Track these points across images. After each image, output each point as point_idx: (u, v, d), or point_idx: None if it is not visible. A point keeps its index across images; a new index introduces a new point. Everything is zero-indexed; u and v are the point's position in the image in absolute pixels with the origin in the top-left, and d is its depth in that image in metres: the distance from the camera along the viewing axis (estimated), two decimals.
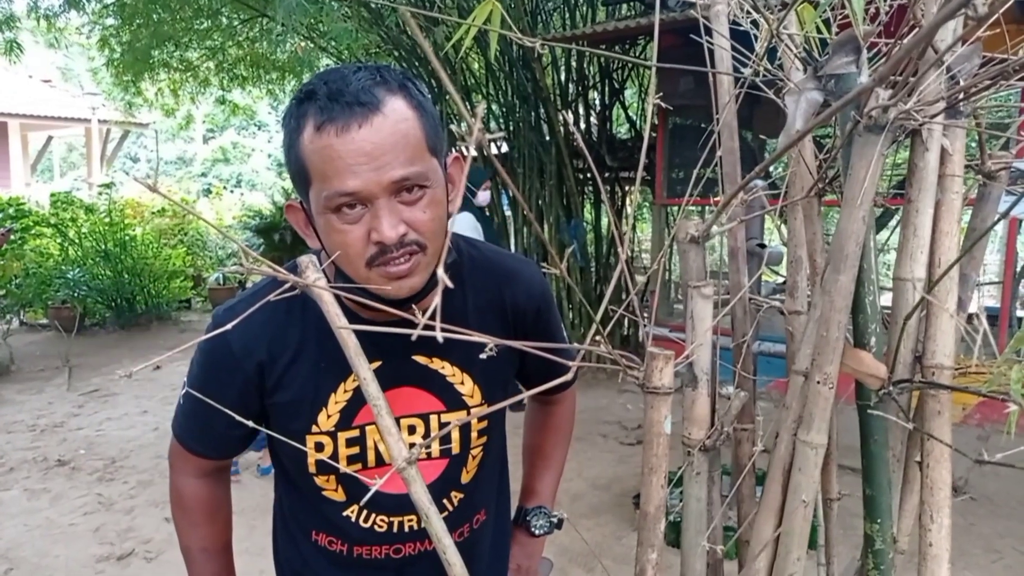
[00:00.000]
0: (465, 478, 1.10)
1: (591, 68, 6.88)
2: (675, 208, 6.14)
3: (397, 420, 1.01)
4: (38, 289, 7.45)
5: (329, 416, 1.02)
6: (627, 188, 7.39)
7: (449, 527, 1.04)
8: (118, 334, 8.00)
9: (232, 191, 17.77)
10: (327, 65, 8.59)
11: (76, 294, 7.83)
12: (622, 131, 7.89)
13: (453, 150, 0.95)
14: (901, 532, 0.75)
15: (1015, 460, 0.67)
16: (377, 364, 1.01)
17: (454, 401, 1.05)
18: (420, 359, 1.03)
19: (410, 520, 1.06)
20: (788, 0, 0.69)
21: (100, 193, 8.71)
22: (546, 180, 6.40)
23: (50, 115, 13.29)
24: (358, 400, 1.01)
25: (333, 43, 6.20)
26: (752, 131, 5.91)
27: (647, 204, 8.25)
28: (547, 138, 6.49)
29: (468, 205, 4.69)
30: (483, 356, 0.62)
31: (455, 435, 1.06)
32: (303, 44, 5.94)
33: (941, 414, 0.67)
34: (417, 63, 6.64)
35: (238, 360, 1.01)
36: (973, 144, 0.77)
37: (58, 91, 14.76)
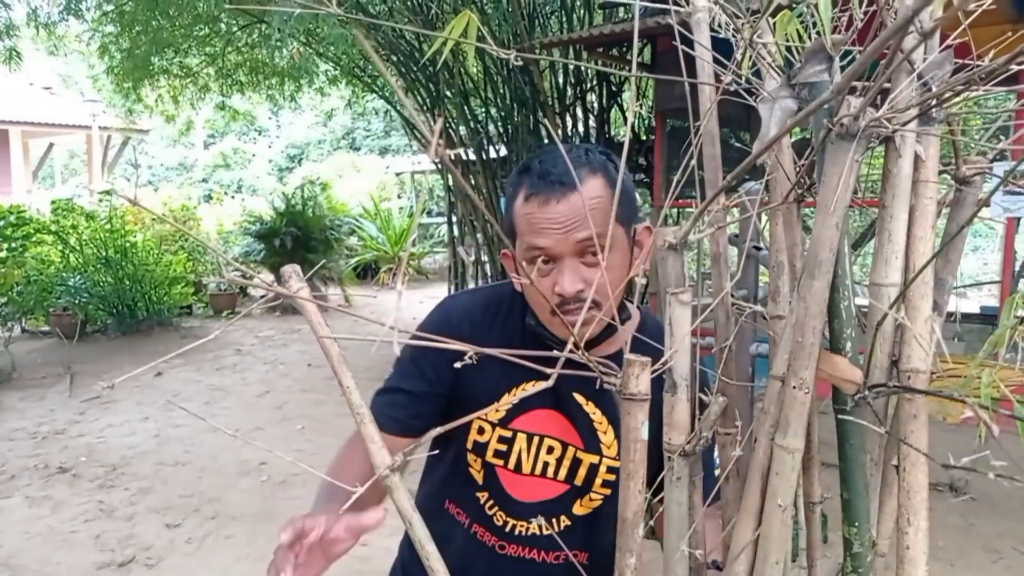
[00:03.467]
0: (578, 510, 1.21)
1: (589, 71, 6.89)
2: (674, 210, 6.14)
3: (542, 437, 1.18)
4: (39, 296, 7.46)
5: (497, 410, 1.18)
6: None
7: (547, 545, 1.21)
8: (119, 340, 8.01)
9: (233, 197, 17.79)
10: (325, 71, 8.62)
11: (77, 301, 7.85)
12: (621, 133, 7.90)
13: (646, 219, 1.09)
14: (881, 535, 0.75)
15: (1008, 467, 0.67)
16: (545, 384, 1.11)
17: (593, 445, 1.18)
18: (579, 398, 1.18)
19: (522, 526, 1.21)
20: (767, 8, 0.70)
21: (101, 200, 8.73)
22: None
23: (51, 122, 13.34)
24: (522, 406, 1.18)
25: (331, 48, 6.21)
26: (749, 132, 5.92)
27: (647, 206, 8.25)
28: (546, 141, 6.50)
29: None
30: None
31: (581, 472, 1.19)
32: (300, 50, 5.96)
33: (917, 418, 0.67)
34: (415, 67, 6.66)
35: (443, 352, 1.17)
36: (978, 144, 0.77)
37: (59, 98, 14.80)
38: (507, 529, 1.22)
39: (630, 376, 0.64)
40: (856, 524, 0.68)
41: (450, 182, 7.09)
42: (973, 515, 3.63)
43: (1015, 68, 0.51)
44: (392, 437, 1.15)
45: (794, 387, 0.65)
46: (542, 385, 1.07)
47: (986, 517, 3.62)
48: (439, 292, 9.34)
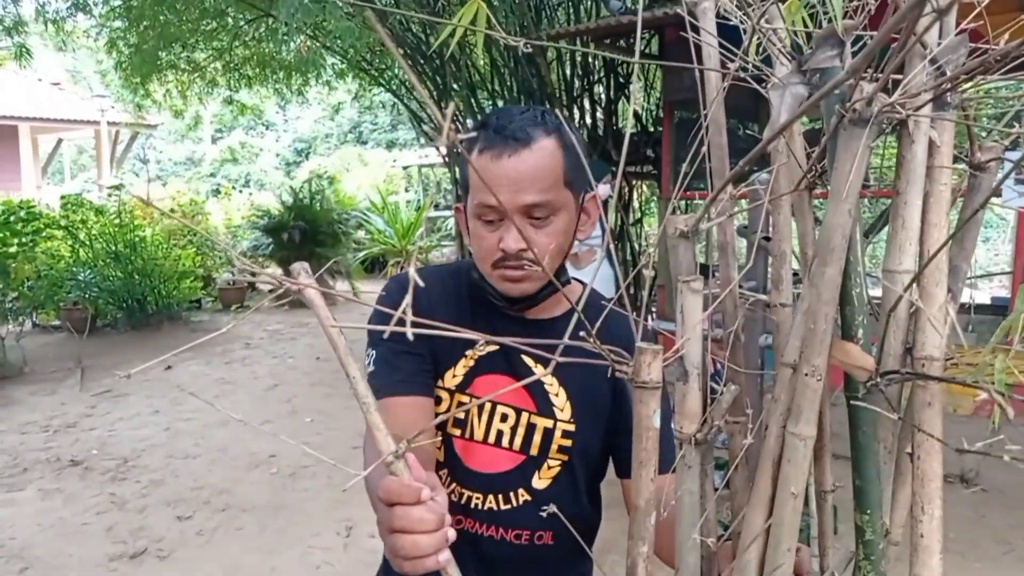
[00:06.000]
0: (537, 483, 1.17)
1: (596, 62, 6.87)
2: (682, 202, 6.12)
3: (495, 404, 1.16)
4: (50, 291, 7.50)
5: (455, 376, 1.16)
6: (634, 183, 7.37)
7: (509, 522, 1.17)
8: (129, 335, 8.05)
9: (241, 191, 17.82)
10: (332, 64, 8.62)
11: (87, 295, 7.89)
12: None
13: (595, 185, 1.10)
14: (895, 524, 0.75)
15: (1012, 452, 0.67)
16: (494, 348, 1.16)
17: (546, 408, 1.16)
18: (528, 360, 1.16)
19: (477, 498, 1.16)
20: None
21: (110, 195, 8.76)
22: None
23: (60, 118, 13.37)
24: (477, 370, 1.16)
25: (338, 41, 6.21)
26: (759, 123, 5.89)
27: (655, 198, 8.23)
28: None
29: None
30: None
31: (536, 438, 1.16)
32: (307, 43, 5.95)
33: (931, 406, 0.67)
34: (421, 60, 6.65)
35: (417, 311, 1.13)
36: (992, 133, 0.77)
37: (67, 94, 14.82)
38: (462, 502, 1.17)
39: (642, 364, 0.64)
40: (868, 512, 0.67)
41: (457, 175, 7.08)
42: (984, 506, 3.61)
43: None
44: (422, 399, 1.12)
45: (806, 374, 0.64)
46: (487, 340, 1.06)
47: (997, 509, 3.60)
48: None
